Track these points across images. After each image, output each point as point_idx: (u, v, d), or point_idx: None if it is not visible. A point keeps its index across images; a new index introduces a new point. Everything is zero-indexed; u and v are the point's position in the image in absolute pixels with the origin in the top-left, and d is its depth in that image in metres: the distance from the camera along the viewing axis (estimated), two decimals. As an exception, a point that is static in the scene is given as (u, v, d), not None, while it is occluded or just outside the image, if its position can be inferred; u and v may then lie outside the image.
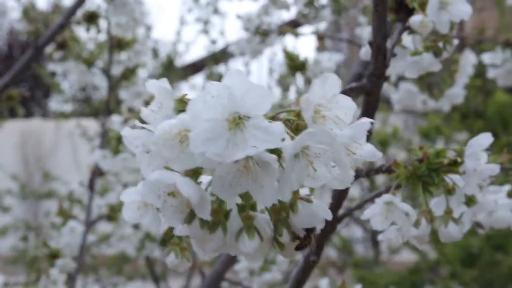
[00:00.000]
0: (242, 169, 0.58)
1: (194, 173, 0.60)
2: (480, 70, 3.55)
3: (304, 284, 1.05)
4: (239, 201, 0.64)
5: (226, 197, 0.60)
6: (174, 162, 0.60)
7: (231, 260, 1.76)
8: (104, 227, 3.33)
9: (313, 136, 0.58)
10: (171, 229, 0.75)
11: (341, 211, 1.05)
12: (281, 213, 0.63)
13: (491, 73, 1.85)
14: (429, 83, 1.45)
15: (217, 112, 0.57)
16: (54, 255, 2.18)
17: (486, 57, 1.85)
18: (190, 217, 0.62)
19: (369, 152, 0.79)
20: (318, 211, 0.62)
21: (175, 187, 0.58)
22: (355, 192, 4.30)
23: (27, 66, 2.30)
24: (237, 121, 0.58)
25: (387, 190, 0.87)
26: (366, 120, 0.64)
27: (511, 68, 1.78)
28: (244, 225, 0.62)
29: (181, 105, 0.63)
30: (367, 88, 0.92)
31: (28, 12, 2.58)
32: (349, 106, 0.62)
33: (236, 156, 0.56)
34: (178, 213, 0.61)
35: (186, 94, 0.64)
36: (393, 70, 1.13)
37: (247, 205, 0.63)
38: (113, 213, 2.41)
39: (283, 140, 0.59)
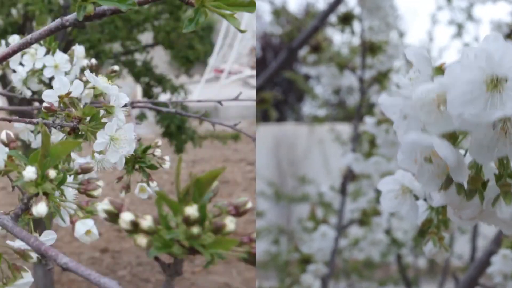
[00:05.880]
0: (499, 131, 0.58)
1: (450, 137, 0.61)
2: None
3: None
4: (496, 171, 0.64)
5: (483, 161, 0.60)
6: (431, 125, 0.61)
7: (485, 265, 1.71)
8: (356, 231, 3.36)
9: None
10: (429, 220, 0.76)
11: None
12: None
13: None
14: None
15: (475, 74, 0.58)
16: (305, 260, 2.24)
17: None
18: (447, 182, 0.62)
19: None
20: None
21: (432, 149, 0.60)
22: None
23: (280, 69, 2.39)
24: (495, 83, 0.58)
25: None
26: None
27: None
28: (502, 191, 0.62)
29: (439, 72, 0.64)
30: None
31: (279, 14, 2.68)
32: None
33: (493, 116, 0.56)
34: (434, 178, 0.62)
35: (444, 63, 0.65)
36: None
37: (504, 174, 0.63)
38: (365, 218, 2.44)
39: None
